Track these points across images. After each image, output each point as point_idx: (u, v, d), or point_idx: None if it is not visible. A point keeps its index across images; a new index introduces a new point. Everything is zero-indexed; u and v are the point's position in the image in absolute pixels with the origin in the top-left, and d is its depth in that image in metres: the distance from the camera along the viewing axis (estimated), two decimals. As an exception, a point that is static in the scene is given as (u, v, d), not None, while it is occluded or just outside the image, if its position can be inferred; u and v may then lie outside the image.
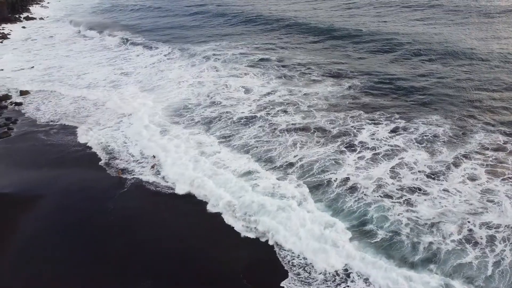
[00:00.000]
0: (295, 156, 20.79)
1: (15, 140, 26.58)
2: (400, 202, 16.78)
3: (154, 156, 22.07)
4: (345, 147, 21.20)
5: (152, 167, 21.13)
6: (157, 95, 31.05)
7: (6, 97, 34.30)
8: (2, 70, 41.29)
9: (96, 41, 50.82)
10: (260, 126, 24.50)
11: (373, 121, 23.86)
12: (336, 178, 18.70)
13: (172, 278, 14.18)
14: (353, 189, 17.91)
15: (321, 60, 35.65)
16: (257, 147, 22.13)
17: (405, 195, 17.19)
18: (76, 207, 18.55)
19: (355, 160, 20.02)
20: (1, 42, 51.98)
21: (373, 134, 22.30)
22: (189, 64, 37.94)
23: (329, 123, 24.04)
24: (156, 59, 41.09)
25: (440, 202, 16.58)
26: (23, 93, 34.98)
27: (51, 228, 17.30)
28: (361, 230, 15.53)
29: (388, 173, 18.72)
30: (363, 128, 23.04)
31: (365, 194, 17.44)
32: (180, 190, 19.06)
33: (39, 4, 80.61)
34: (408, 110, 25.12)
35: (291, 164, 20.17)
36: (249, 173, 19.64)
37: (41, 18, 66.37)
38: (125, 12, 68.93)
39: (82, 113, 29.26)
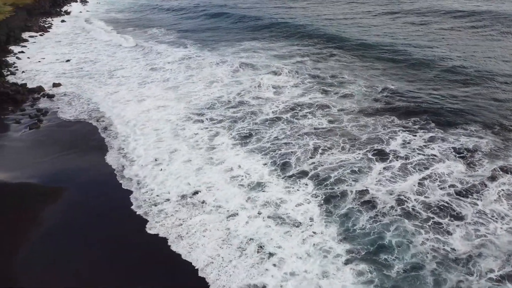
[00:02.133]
0: (312, 163, 19.42)
1: (43, 132, 27.04)
2: (426, 227, 14.69)
3: (156, 160, 21.43)
4: (372, 155, 19.71)
5: None
6: (183, 93, 30.65)
7: (40, 89, 35.04)
8: (39, 62, 42.28)
9: (131, 37, 51.25)
10: (282, 129, 23.40)
11: (407, 129, 22.26)
12: (352, 191, 16.96)
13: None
14: (370, 204, 16.05)
15: (356, 65, 34.26)
16: (274, 151, 20.99)
17: (433, 217, 15.24)
18: (96, 202, 18.62)
19: (379, 171, 18.35)
20: (42, 35, 53.33)
21: (407, 143, 20.64)
22: (220, 63, 37.31)
23: (358, 128, 22.66)
24: (184, 55, 40.91)
25: (478, 230, 14.40)
26: (55, 85, 35.62)
27: (72, 221, 17.28)
28: (374, 259, 13.26)
29: (415, 186, 16.96)
30: (397, 135, 21.47)
31: (383, 213, 15.49)
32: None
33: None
34: (446, 118, 23.37)
35: (306, 172, 18.77)
36: (258, 185, 18.12)
37: (81, 12, 67.88)
38: (160, 11, 69.07)
39: (108, 110, 29.11)
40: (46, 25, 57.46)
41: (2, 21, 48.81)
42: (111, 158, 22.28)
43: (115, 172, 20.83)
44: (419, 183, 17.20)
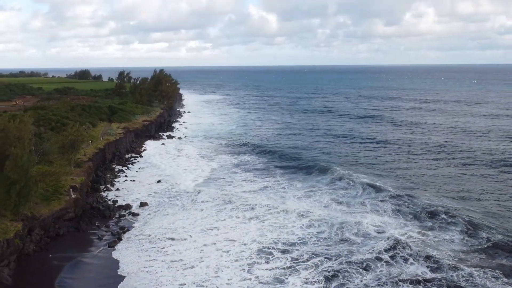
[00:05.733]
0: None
1: (118, 252, 27.32)
2: None
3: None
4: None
5: None
6: (270, 223, 29.67)
7: (127, 207, 36.35)
8: (133, 181, 44.65)
9: (220, 165, 52.98)
10: (377, 273, 20.50)
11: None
12: None
13: None
14: None
15: (452, 204, 30.90)
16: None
17: None
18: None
19: None
20: (141, 157, 57.46)
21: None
22: (313, 195, 36.73)
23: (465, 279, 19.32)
24: (270, 185, 41.26)
25: None
26: (142, 204, 36.66)
27: None
28: None
29: None
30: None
31: None
32: None
33: (180, 124, 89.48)
34: None
35: None
36: None
37: (179, 138, 72.91)
38: (253, 145, 67.79)
39: (180, 236, 29.15)
40: (143, 149, 61.38)
41: (111, 142, 54.11)
42: None
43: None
44: None
